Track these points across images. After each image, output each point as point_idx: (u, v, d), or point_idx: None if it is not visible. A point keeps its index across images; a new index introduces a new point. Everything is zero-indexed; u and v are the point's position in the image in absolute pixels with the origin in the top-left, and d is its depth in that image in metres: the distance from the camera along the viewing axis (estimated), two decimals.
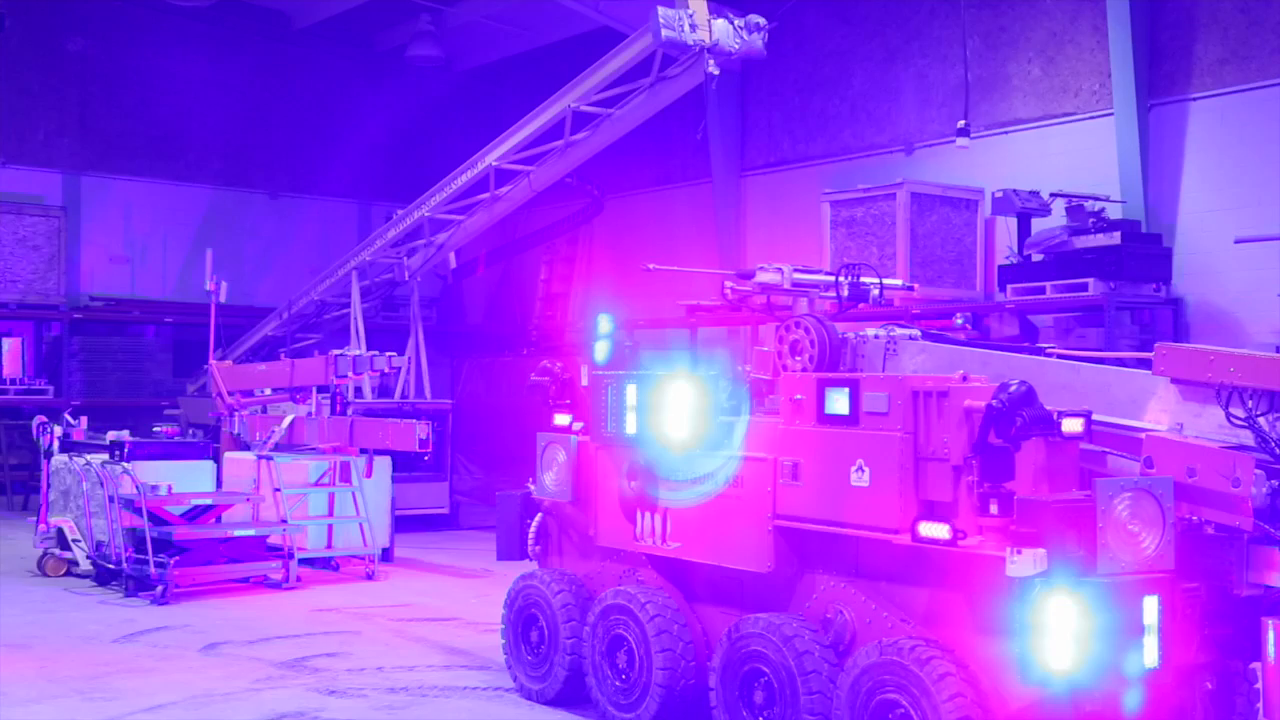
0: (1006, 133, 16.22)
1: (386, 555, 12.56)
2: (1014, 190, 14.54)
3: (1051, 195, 14.56)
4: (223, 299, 13.97)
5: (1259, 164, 13.65)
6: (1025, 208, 14.53)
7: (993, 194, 14.93)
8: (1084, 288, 13.66)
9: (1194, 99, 14.35)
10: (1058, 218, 14.40)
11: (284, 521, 11.20)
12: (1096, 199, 14.23)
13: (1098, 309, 13.80)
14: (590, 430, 7.34)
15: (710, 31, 11.75)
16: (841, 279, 7.92)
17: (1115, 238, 13.56)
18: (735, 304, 8.01)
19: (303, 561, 11.54)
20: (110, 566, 10.95)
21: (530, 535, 7.84)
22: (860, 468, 5.86)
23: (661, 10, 11.62)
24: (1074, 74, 15.59)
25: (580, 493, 7.39)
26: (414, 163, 22.86)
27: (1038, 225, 14.66)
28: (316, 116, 22.77)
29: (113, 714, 7.08)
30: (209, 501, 11.47)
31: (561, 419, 7.68)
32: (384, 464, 12.64)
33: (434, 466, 15.44)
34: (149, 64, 20.95)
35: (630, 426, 6.98)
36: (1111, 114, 14.91)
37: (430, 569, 12.41)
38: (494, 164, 14.21)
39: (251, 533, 11.17)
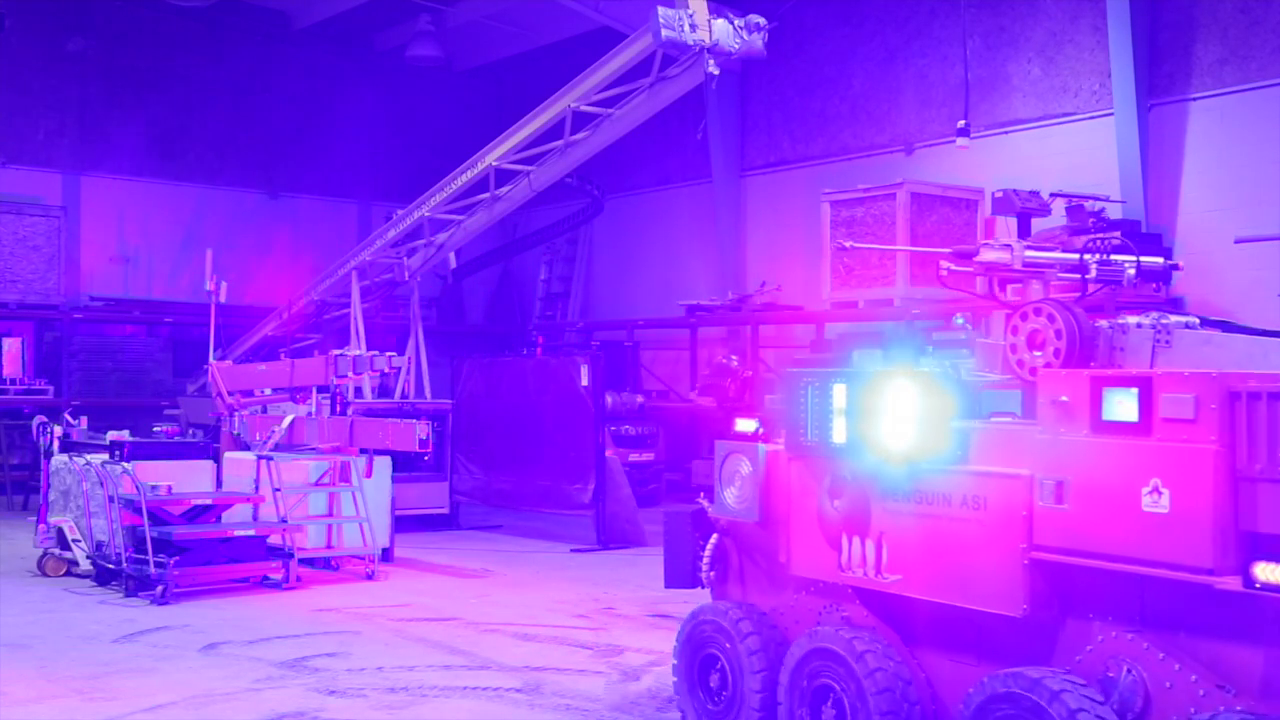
0: (1006, 133, 16.23)
1: (386, 555, 12.55)
2: (1014, 190, 14.52)
3: (1051, 195, 14.54)
4: (223, 299, 13.97)
5: (1259, 164, 13.66)
6: (1025, 208, 14.50)
7: (993, 194, 14.90)
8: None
9: (1194, 99, 14.36)
10: (1058, 218, 14.39)
11: (284, 521, 11.20)
12: (1096, 199, 14.20)
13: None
14: (785, 439, 6.13)
15: (710, 31, 11.75)
16: (1088, 257, 6.63)
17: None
18: (951, 287, 6.83)
19: (303, 561, 11.53)
20: (110, 566, 10.94)
21: (704, 560, 6.70)
22: (1155, 489, 4.71)
23: (661, 10, 11.62)
24: (1074, 74, 15.60)
25: (770, 512, 6.24)
26: (414, 163, 22.86)
27: (1038, 225, 14.64)
28: (316, 116, 22.77)
29: (113, 714, 7.07)
30: (209, 501, 11.47)
31: (745, 425, 6.53)
32: (384, 464, 12.64)
33: (434, 466, 15.44)
34: (149, 64, 20.96)
35: (838, 434, 5.83)
36: (1111, 114, 14.92)
37: (430, 569, 12.42)
38: (494, 164, 14.21)
39: (251, 533, 11.16)
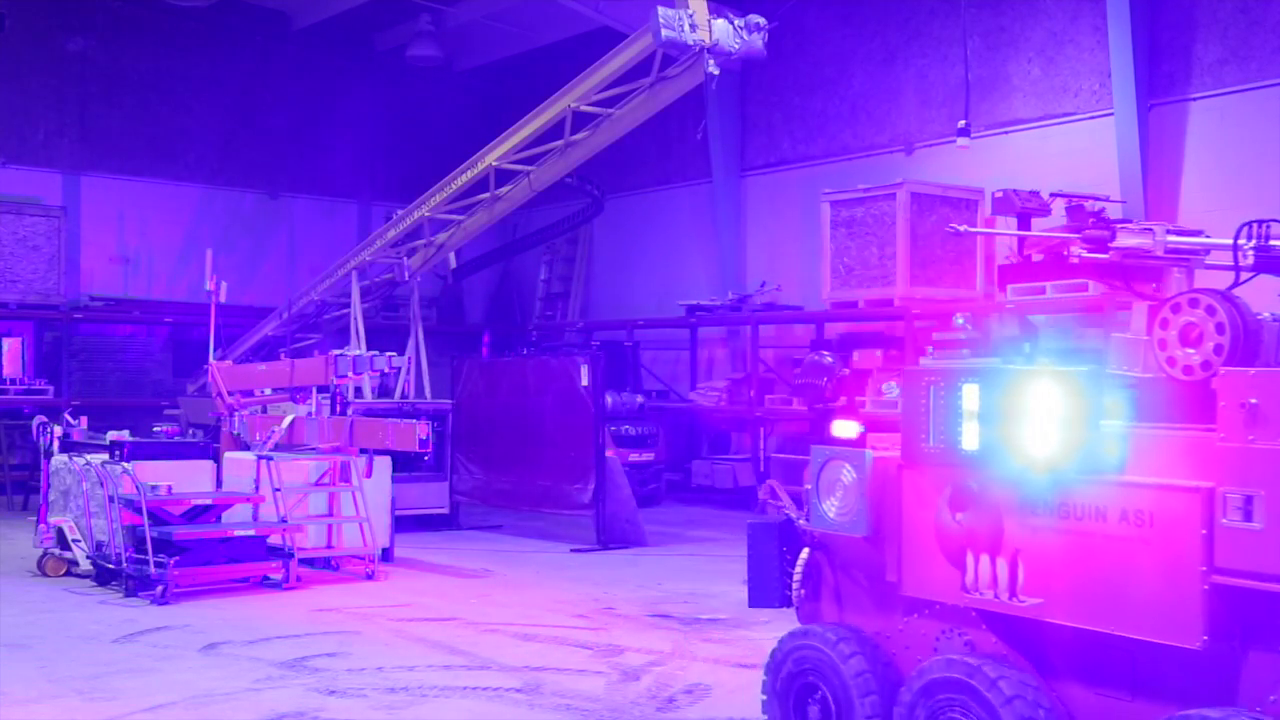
0: (1006, 133, 16.23)
1: (386, 555, 12.55)
2: (1014, 190, 14.53)
3: (1051, 195, 14.55)
4: (223, 299, 13.97)
5: (1258, 164, 13.67)
6: (1025, 208, 14.51)
7: (993, 194, 14.91)
8: (1084, 288, 13.66)
9: (1194, 99, 14.37)
10: (1058, 218, 14.40)
11: (284, 521, 11.20)
12: (1096, 199, 14.22)
13: (1097, 309, 13.79)
14: (902, 445, 5.55)
15: (710, 31, 11.75)
16: (1242, 241, 5.83)
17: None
18: (1087, 274, 6.26)
19: (303, 561, 11.53)
20: (110, 566, 10.94)
21: (795, 577, 6.13)
22: None
23: (661, 10, 11.62)
24: (1074, 74, 15.60)
25: (878, 525, 5.65)
26: (414, 163, 22.85)
27: (1038, 225, 14.66)
28: (316, 116, 22.77)
29: (113, 714, 7.07)
30: (209, 501, 11.47)
31: (846, 429, 5.94)
32: (384, 464, 12.64)
33: (434, 466, 15.44)
34: (149, 64, 20.97)
35: (968, 440, 5.22)
36: (1111, 114, 14.93)
37: (430, 569, 12.42)
38: (494, 164, 14.21)
39: (251, 533, 11.16)
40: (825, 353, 5.59)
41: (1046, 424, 4.93)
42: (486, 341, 21.25)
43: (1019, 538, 5.06)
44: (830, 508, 5.86)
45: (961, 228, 7.97)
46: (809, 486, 6.03)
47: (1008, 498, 5.09)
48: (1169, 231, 6.13)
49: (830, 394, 6.00)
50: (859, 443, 5.84)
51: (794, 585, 6.13)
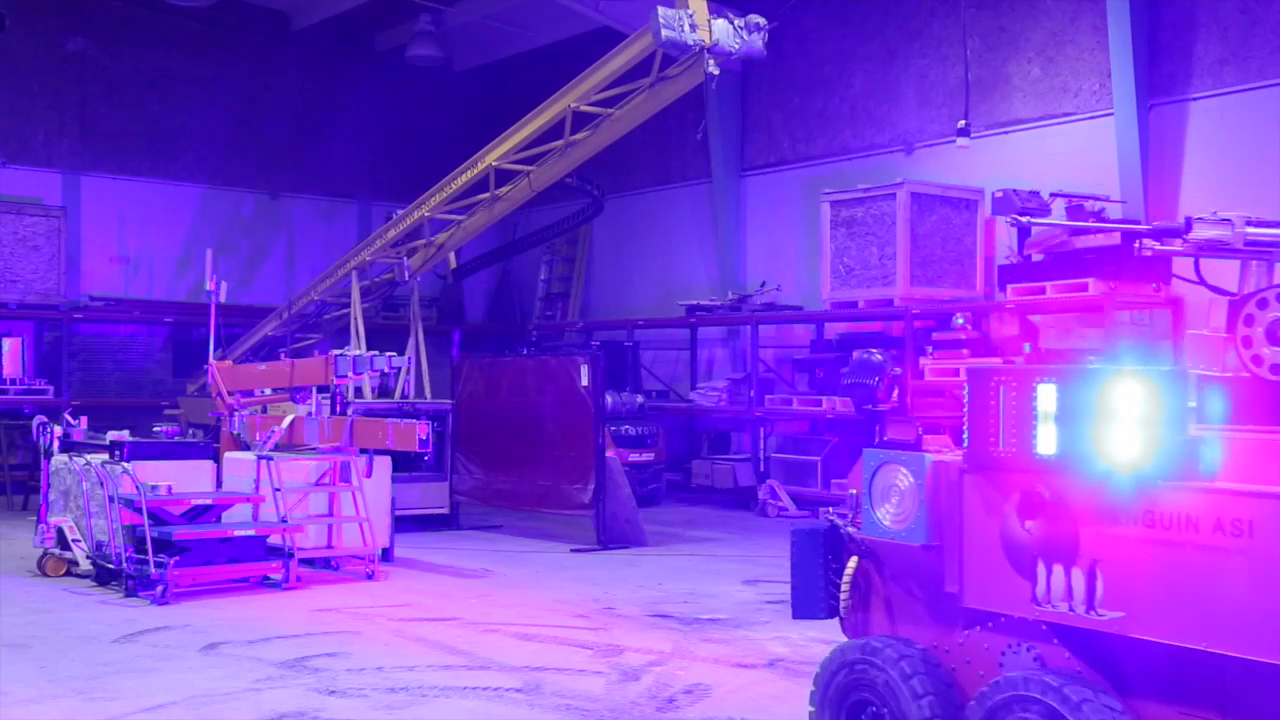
0: (1006, 133, 16.24)
1: (386, 555, 12.55)
2: (1014, 190, 14.55)
3: (1051, 195, 14.56)
4: (223, 299, 13.97)
5: (1258, 164, 13.67)
6: (1025, 208, 14.53)
7: (993, 194, 14.93)
8: (1084, 288, 13.67)
9: (1194, 99, 14.37)
10: (1058, 218, 14.40)
11: (284, 521, 11.20)
12: (1096, 199, 14.24)
13: (1097, 309, 13.80)
14: (967, 448, 5.25)
15: (710, 31, 11.74)
16: None
17: (1115, 238, 13.56)
18: (1149, 268, 6.00)
19: (303, 561, 11.54)
20: (110, 566, 10.94)
21: (843, 587, 5.84)
22: None
23: (661, 10, 11.62)
24: (1074, 74, 15.60)
25: (938, 533, 5.38)
26: (414, 163, 22.86)
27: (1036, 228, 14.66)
28: (316, 116, 22.78)
29: (113, 714, 7.07)
30: (209, 501, 11.47)
31: (904, 431, 5.74)
32: (384, 464, 12.64)
33: (434, 466, 15.44)
34: (149, 64, 20.97)
35: (1043, 444, 4.92)
36: (1111, 114, 14.93)
37: (430, 569, 12.41)
38: (494, 164, 14.20)
39: (251, 533, 11.16)
40: (874, 350, 5.29)
41: (1131, 427, 4.65)
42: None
43: (1098, 547, 4.76)
44: (885, 515, 5.55)
45: (1033, 220, 7.60)
46: (853, 492, 5.82)
47: (1086, 505, 4.80)
48: (1248, 223, 5.79)
49: (882, 394, 5.67)
50: (917, 446, 5.56)
51: (842, 596, 5.84)
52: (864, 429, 5.85)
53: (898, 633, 5.71)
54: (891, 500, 5.52)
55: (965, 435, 5.22)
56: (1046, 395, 4.90)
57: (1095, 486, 4.75)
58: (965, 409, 5.18)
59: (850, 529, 5.82)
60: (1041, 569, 4.92)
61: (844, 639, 5.81)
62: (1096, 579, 4.76)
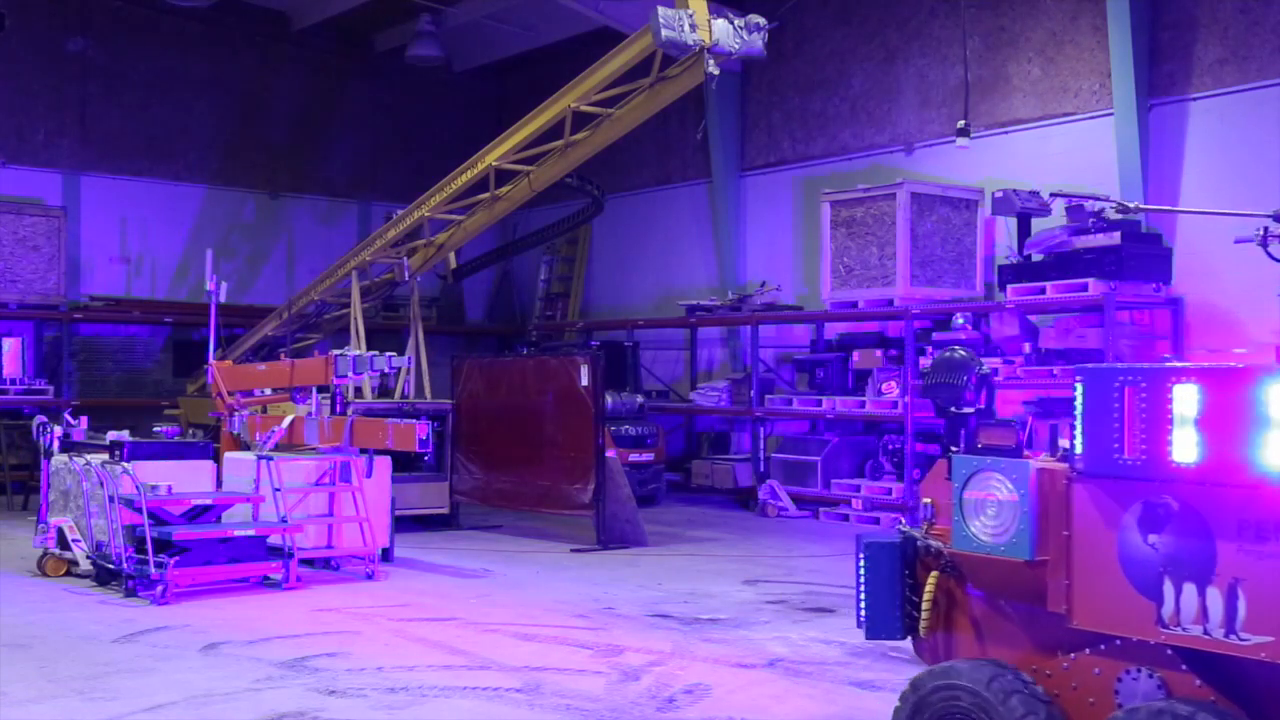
0: (1006, 133, 16.24)
1: (386, 555, 12.55)
2: (1014, 190, 14.56)
3: (1051, 195, 14.57)
4: (223, 299, 13.97)
5: (1258, 164, 13.66)
6: (1025, 208, 14.55)
7: (993, 194, 14.94)
8: (1084, 288, 13.68)
9: (1194, 99, 14.37)
10: (1058, 218, 14.41)
11: (284, 521, 11.20)
12: (1096, 199, 14.24)
13: (1097, 309, 13.81)
14: (1083, 455, 4.81)
15: (710, 31, 11.73)
16: None
17: (1115, 238, 13.58)
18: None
19: (303, 561, 11.54)
20: (110, 566, 10.94)
21: (924, 605, 5.46)
22: None
23: (661, 10, 11.61)
24: (1074, 74, 15.60)
25: (1043, 547, 4.97)
26: (414, 163, 22.87)
27: (1038, 225, 14.68)
28: (316, 116, 22.78)
29: (113, 714, 7.07)
30: (209, 502, 11.47)
31: (997, 437, 5.30)
32: (384, 464, 12.64)
33: (434, 466, 15.45)
34: (149, 64, 20.96)
35: (1180, 450, 4.51)
36: (1111, 114, 14.93)
37: (430, 569, 12.42)
38: (494, 164, 14.20)
39: (251, 533, 11.16)
40: (956, 347, 4.88)
41: None
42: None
43: (1239, 565, 4.34)
44: (981, 526, 5.12)
45: (1133, 205, 7.30)
46: (927, 501, 5.52)
47: (1228, 517, 4.38)
48: None
49: (971, 395, 5.32)
50: (1018, 452, 5.12)
51: (923, 615, 5.45)
52: (949, 434, 5.49)
53: (987, 655, 5.32)
54: (988, 512, 5.12)
55: (1075, 441, 4.84)
56: (1185, 398, 4.49)
57: (1242, 497, 4.36)
58: (1076, 412, 4.81)
59: (932, 542, 5.45)
60: (1169, 587, 4.53)
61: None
62: (1238, 599, 4.37)
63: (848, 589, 11.11)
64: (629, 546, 13.77)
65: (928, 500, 5.55)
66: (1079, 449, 4.82)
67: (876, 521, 15.67)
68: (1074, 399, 4.85)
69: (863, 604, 5.64)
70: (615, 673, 8.01)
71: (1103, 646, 4.93)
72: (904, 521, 5.79)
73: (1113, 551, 4.71)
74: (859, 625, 5.71)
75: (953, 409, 5.45)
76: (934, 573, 5.44)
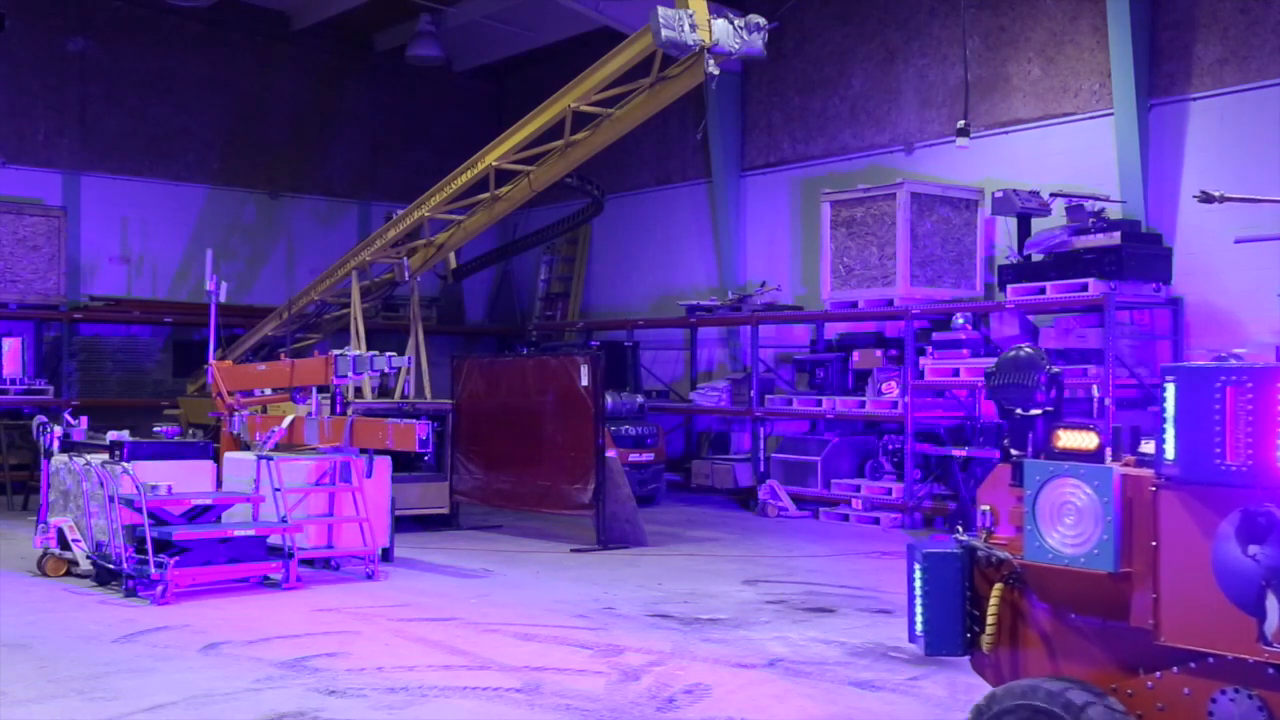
0: (1006, 133, 16.24)
1: (386, 555, 12.55)
2: (1014, 190, 14.57)
3: (1051, 195, 14.57)
4: (223, 299, 13.97)
5: (1258, 164, 13.67)
6: (1025, 208, 14.56)
7: (993, 194, 14.94)
8: (1084, 288, 13.68)
9: (1194, 99, 14.36)
10: (1058, 218, 14.41)
11: (284, 521, 11.20)
12: (1096, 199, 14.24)
13: (1097, 309, 13.81)
14: (1178, 461, 4.53)
15: (710, 31, 11.73)
16: None
17: (1115, 238, 13.58)
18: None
19: (303, 561, 11.54)
20: (110, 566, 10.94)
21: (990, 619, 5.11)
22: None
23: (661, 10, 11.61)
24: (1074, 74, 15.60)
25: (1128, 558, 4.68)
26: (414, 163, 22.88)
27: (1038, 225, 14.68)
28: (316, 116, 22.79)
29: (113, 714, 7.07)
30: (209, 502, 11.47)
31: (1079, 439, 4.91)
32: (384, 464, 12.64)
33: (434, 466, 15.45)
34: (149, 64, 20.97)
35: None
36: (1111, 114, 14.93)
37: (430, 569, 12.41)
38: (494, 164, 14.20)
39: (251, 533, 11.16)
40: (1022, 346, 4.57)
41: None
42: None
43: None
44: (1060, 537, 4.79)
45: (1219, 194, 6.94)
46: (986, 509, 5.24)
47: None
48: None
49: (1043, 395, 5.04)
50: (1099, 457, 4.79)
51: (988, 629, 5.10)
52: (1015, 437, 5.19)
53: (1060, 672, 4.98)
54: (1066, 521, 4.78)
55: (1165, 445, 4.56)
56: None
57: None
58: (1165, 414, 4.55)
59: (997, 552, 5.12)
60: (1272, 602, 4.27)
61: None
62: None
63: (848, 589, 11.11)
64: (629, 546, 13.77)
65: (986, 507, 5.26)
66: (1170, 454, 4.52)
67: (876, 521, 15.67)
68: (1163, 401, 4.57)
69: (920, 618, 5.30)
70: (615, 673, 8.01)
71: (1193, 665, 4.61)
72: (960, 530, 5.47)
73: (1206, 563, 4.44)
74: (911, 640, 5.41)
75: (1019, 411, 5.16)
76: (998, 585, 5.11)
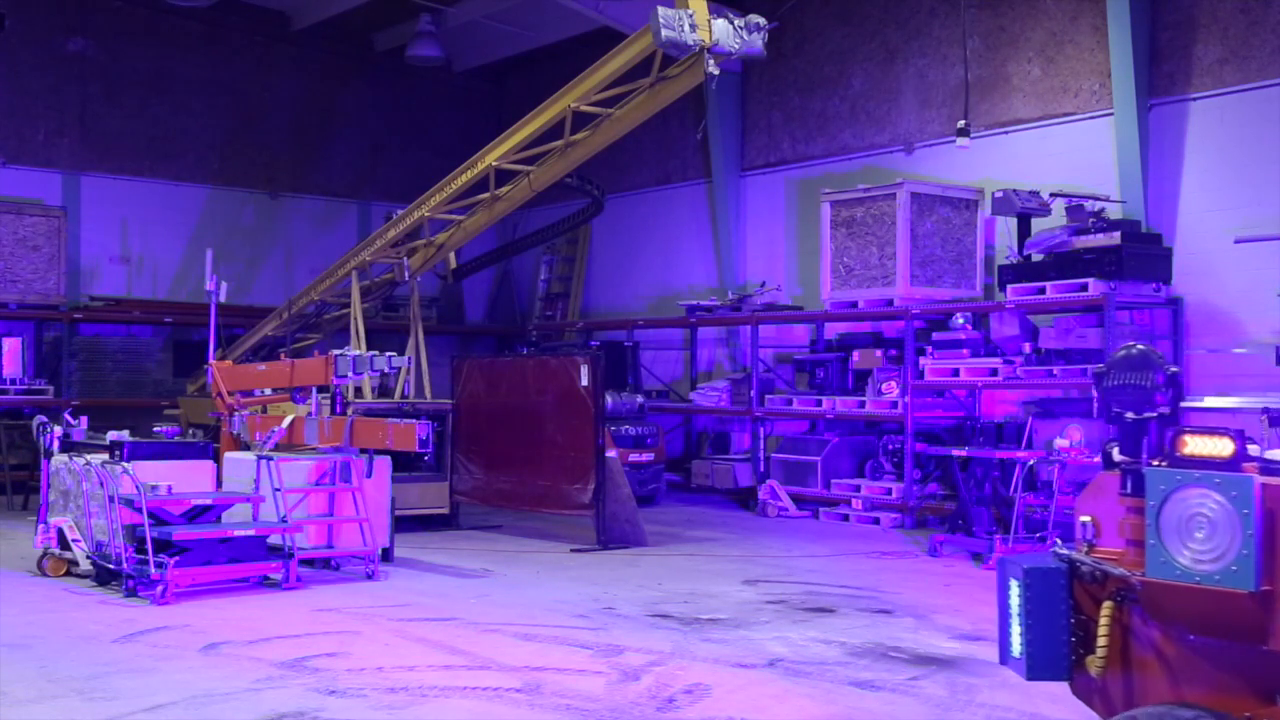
0: (1006, 133, 16.24)
1: (386, 555, 12.55)
2: (1014, 190, 14.57)
3: (1051, 195, 14.57)
4: (223, 299, 13.96)
5: (1258, 164, 13.67)
6: (1025, 208, 14.56)
7: (993, 194, 14.94)
8: (1084, 288, 13.68)
9: (1194, 99, 14.36)
10: (1058, 218, 14.41)
11: (284, 521, 11.20)
12: (1096, 199, 14.24)
13: (1097, 309, 13.81)
14: None
15: (710, 31, 11.73)
16: None
17: (1115, 238, 13.59)
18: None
19: (303, 561, 11.54)
20: (110, 566, 10.94)
21: (1101, 640, 4.65)
22: None
23: (661, 10, 11.61)
24: (1074, 74, 15.60)
25: (1271, 576, 4.21)
26: (414, 163, 22.87)
27: (1038, 225, 14.68)
28: (316, 116, 22.79)
29: (113, 714, 7.07)
30: (209, 502, 11.47)
31: (1210, 445, 4.43)
32: (384, 464, 12.64)
33: (434, 466, 15.45)
34: (149, 64, 20.97)
35: None
36: (1111, 114, 14.93)
37: (430, 569, 12.42)
38: (494, 164, 14.20)
39: (251, 533, 11.16)
40: (1134, 343, 4.18)
41: None
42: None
43: None
44: (1193, 553, 4.33)
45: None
46: (1085, 520, 4.85)
47: None
48: None
49: (1161, 397, 4.66)
50: (1235, 465, 4.34)
51: (1098, 651, 4.64)
52: (1128, 441, 4.80)
53: (1183, 698, 4.54)
54: (1197, 535, 4.32)
55: None
56: None
57: None
58: None
59: (1110, 568, 4.69)
60: None
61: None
62: None
63: (848, 589, 11.11)
64: (629, 546, 13.77)
65: (1087, 518, 4.85)
66: None
67: (876, 521, 15.67)
68: None
69: (1019, 639, 4.83)
70: (615, 673, 8.01)
71: None
72: (1060, 543, 5.04)
73: None
74: (1004, 662, 4.95)
75: (1131, 414, 4.75)
76: (1108, 603, 4.66)
